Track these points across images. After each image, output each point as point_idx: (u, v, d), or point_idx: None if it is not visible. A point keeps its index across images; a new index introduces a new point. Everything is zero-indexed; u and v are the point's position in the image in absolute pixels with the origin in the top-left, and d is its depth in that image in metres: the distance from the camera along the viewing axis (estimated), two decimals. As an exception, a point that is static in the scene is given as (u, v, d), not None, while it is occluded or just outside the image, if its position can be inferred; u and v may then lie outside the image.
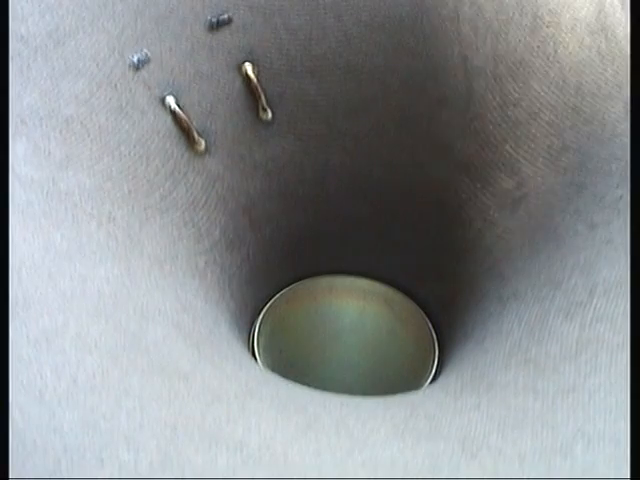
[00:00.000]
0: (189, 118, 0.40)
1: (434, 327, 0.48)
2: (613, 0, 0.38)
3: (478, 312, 0.40)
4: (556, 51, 0.38)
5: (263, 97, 0.42)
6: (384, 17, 0.40)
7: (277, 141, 0.43)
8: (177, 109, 0.39)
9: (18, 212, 0.32)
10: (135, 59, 0.38)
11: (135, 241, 0.36)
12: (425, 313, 0.49)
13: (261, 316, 0.49)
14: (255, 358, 0.46)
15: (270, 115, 0.43)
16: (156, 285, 0.35)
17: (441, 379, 0.36)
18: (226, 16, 0.40)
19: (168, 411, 0.26)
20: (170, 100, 0.39)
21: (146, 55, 0.38)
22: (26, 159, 0.34)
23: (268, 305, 0.49)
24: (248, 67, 0.41)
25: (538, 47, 0.38)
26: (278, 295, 0.50)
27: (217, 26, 0.40)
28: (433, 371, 0.46)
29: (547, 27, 0.38)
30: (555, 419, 0.27)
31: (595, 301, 0.31)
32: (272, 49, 0.41)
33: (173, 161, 0.40)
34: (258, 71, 0.41)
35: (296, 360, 0.50)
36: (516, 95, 0.39)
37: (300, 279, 0.51)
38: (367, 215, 0.48)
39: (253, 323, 0.48)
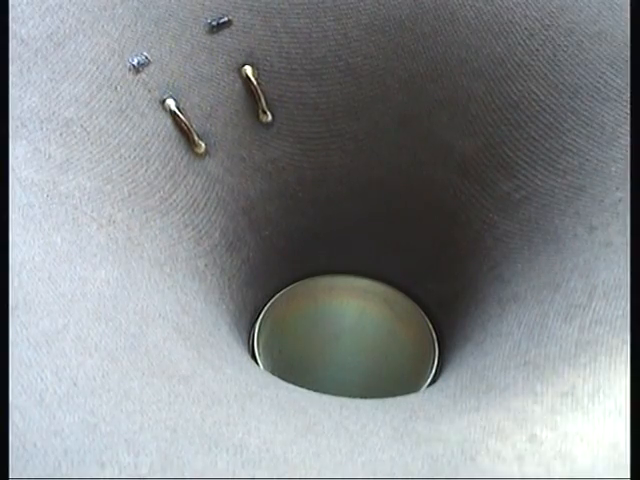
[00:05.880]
0: (189, 120, 0.40)
1: (434, 327, 0.48)
2: (612, 3, 0.38)
3: (478, 314, 0.40)
4: (555, 54, 0.38)
5: (263, 99, 0.42)
6: (384, 19, 0.40)
7: (277, 143, 0.43)
8: (177, 111, 0.39)
9: (18, 214, 0.32)
10: (135, 61, 0.38)
11: (135, 243, 0.36)
12: (425, 313, 0.49)
13: (261, 316, 0.49)
14: (255, 358, 0.46)
15: (270, 117, 0.43)
16: (156, 287, 0.35)
17: (440, 381, 0.36)
18: (226, 18, 0.40)
19: (168, 413, 0.26)
20: (170, 102, 0.39)
21: (146, 57, 0.38)
22: (26, 162, 0.34)
23: (268, 305, 0.49)
24: (248, 69, 0.41)
25: (537, 50, 0.38)
26: (278, 295, 0.50)
27: (217, 28, 0.40)
28: (433, 371, 0.46)
29: (546, 30, 0.38)
30: (554, 421, 0.27)
31: (594, 303, 0.31)
32: (272, 51, 0.41)
33: (173, 163, 0.40)
34: (258, 73, 0.41)
35: (296, 360, 0.51)
36: (515, 97, 0.39)
37: (300, 279, 0.51)
38: (367, 215, 0.48)
39: (253, 323, 0.48)
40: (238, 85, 0.41)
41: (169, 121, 0.40)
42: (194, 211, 0.41)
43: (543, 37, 0.38)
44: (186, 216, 0.40)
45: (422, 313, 0.49)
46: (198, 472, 0.24)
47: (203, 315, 0.37)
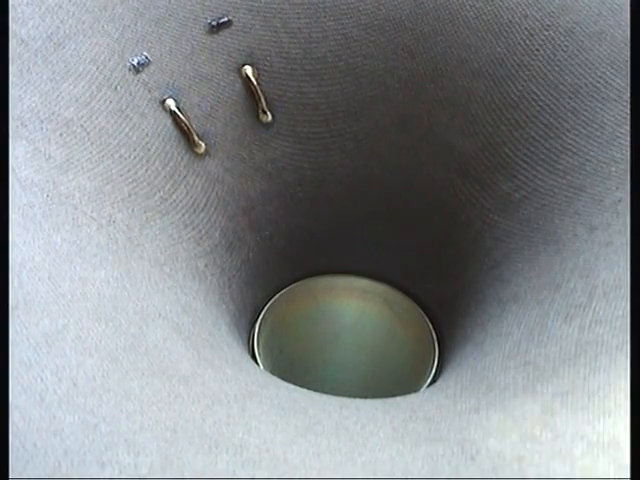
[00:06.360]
0: (189, 120, 0.40)
1: (434, 327, 0.48)
2: (612, 3, 0.38)
3: (478, 314, 0.40)
4: (555, 54, 0.38)
5: (263, 99, 0.42)
6: (384, 19, 0.40)
7: (277, 143, 0.43)
8: (177, 111, 0.39)
9: (18, 214, 0.32)
10: (135, 61, 0.38)
11: (135, 244, 0.36)
12: (425, 313, 0.49)
13: (261, 316, 0.49)
14: (255, 358, 0.46)
15: (270, 117, 0.43)
16: (156, 287, 0.35)
17: (440, 381, 0.36)
18: (226, 18, 0.40)
19: (168, 414, 0.26)
20: (170, 102, 0.39)
21: (146, 57, 0.38)
22: (26, 162, 0.34)
23: (268, 305, 0.49)
24: (248, 69, 0.41)
25: (537, 50, 0.38)
26: (278, 295, 0.50)
27: (217, 28, 0.40)
28: (433, 372, 0.46)
29: (546, 30, 0.38)
30: (554, 421, 0.27)
31: (594, 303, 0.31)
32: (272, 51, 0.41)
33: (173, 163, 0.40)
34: (258, 73, 0.41)
35: (296, 360, 0.51)
36: (515, 97, 0.39)
37: (300, 279, 0.51)
38: (367, 215, 0.48)
39: (253, 323, 0.48)
40: (238, 85, 0.41)
41: (169, 121, 0.40)
42: (194, 211, 0.41)
43: (543, 37, 0.38)
44: (186, 216, 0.40)
45: (422, 313, 0.49)
46: (198, 472, 0.24)
47: (203, 315, 0.37)
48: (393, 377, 0.50)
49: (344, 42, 0.41)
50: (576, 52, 0.38)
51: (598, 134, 0.37)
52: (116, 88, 0.37)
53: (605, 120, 0.37)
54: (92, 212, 0.35)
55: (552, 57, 0.38)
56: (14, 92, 0.34)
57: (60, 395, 0.26)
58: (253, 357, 0.46)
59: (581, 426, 0.26)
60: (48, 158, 0.35)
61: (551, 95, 0.38)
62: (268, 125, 0.43)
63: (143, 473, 0.24)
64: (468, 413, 0.29)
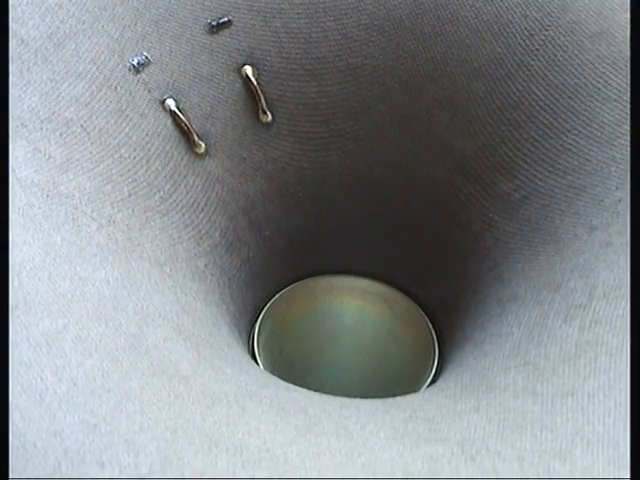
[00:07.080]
0: (189, 120, 0.40)
1: (434, 327, 0.48)
2: (612, 3, 0.38)
3: (478, 314, 0.40)
4: (555, 54, 0.38)
5: (263, 99, 0.42)
6: (384, 19, 0.40)
7: (277, 143, 0.43)
8: (177, 111, 0.39)
9: (18, 214, 0.32)
10: (135, 61, 0.38)
11: (135, 244, 0.36)
12: (425, 313, 0.49)
13: (261, 316, 0.49)
14: (255, 358, 0.46)
15: (270, 117, 0.43)
16: (156, 287, 0.35)
17: (440, 382, 0.36)
18: (226, 18, 0.40)
19: (168, 414, 0.26)
20: (170, 102, 0.39)
21: (146, 57, 0.38)
22: (26, 162, 0.34)
23: (268, 305, 0.49)
24: (248, 69, 0.41)
25: (537, 50, 0.38)
26: (278, 295, 0.50)
27: (217, 28, 0.40)
28: (433, 372, 0.46)
29: (546, 30, 0.38)
30: (554, 421, 0.27)
31: (594, 303, 0.31)
32: (272, 51, 0.41)
33: (173, 163, 0.40)
34: (258, 73, 0.41)
35: (296, 360, 0.51)
36: (515, 97, 0.39)
37: (300, 279, 0.51)
38: (367, 215, 0.48)
39: (253, 323, 0.48)
40: (238, 85, 0.41)
41: (169, 121, 0.40)
42: (194, 211, 0.41)
43: (543, 37, 0.38)
44: (186, 216, 0.40)
45: (422, 313, 0.49)
46: (198, 472, 0.24)
47: (203, 315, 0.37)
48: (393, 377, 0.50)
49: (344, 42, 0.41)
50: (576, 52, 0.38)
51: (598, 134, 0.37)
52: (116, 88, 0.37)
53: (605, 120, 0.37)
54: (92, 212, 0.35)
55: (552, 57, 0.38)
56: (14, 92, 0.34)
57: (60, 395, 0.26)
58: (253, 357, 0.46)
59: (581, 426, 0.26)
60: (48, 158, 0.35)
61: (551, 95, 0.38)
62: (268, 125, 0.43)
63: (143, 473, 0.24)
64: (468, 413, 0.29)
